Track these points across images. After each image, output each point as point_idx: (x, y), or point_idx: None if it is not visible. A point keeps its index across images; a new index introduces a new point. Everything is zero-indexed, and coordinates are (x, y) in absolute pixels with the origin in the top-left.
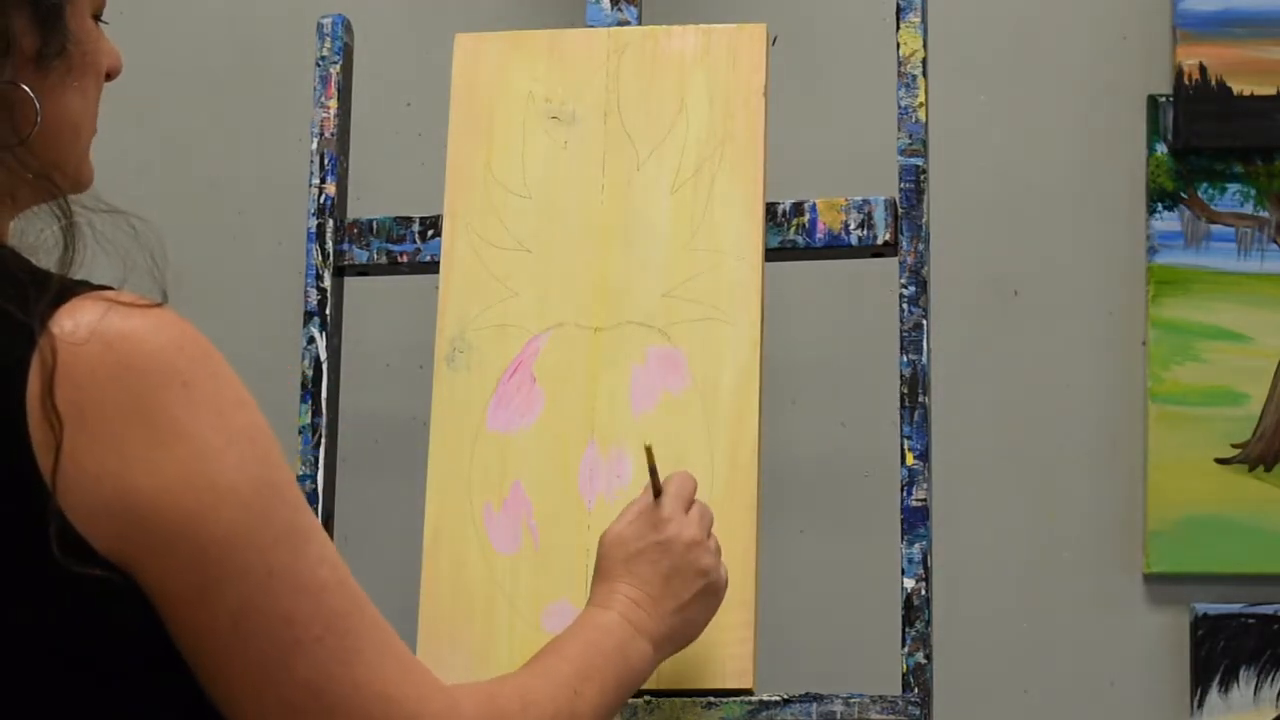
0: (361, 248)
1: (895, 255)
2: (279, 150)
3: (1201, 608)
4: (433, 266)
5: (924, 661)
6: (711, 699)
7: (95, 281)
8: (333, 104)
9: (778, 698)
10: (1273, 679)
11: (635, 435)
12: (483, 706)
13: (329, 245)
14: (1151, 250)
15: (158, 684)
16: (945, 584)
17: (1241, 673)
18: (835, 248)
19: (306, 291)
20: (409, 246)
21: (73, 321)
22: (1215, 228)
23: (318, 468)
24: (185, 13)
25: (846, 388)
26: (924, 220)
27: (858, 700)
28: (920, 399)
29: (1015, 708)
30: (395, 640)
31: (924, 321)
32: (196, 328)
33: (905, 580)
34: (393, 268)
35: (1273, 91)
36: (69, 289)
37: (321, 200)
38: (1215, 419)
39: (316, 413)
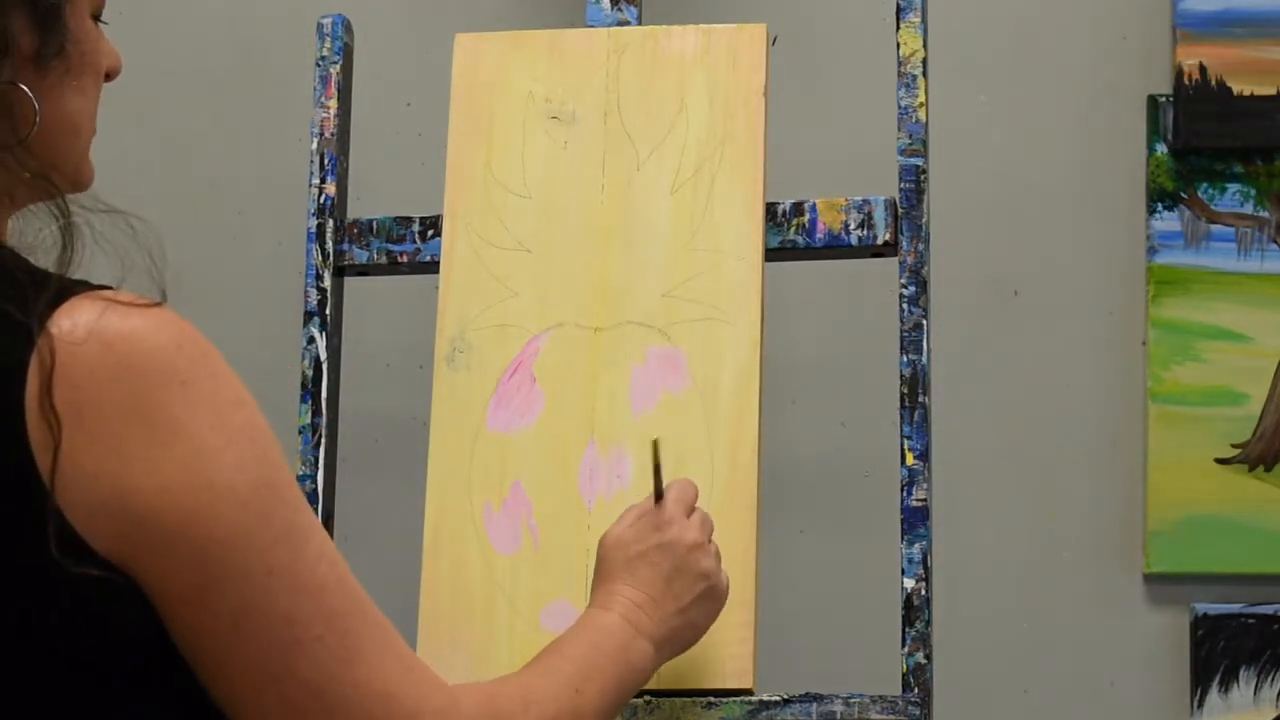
0: (361, 248)
1: (895, 255)
2: (279, 150)
3: (1201, 608)
4: (433, 266)
5: (924, 661)
6: (711, 699)
7: (94, 281)
8: (333, 104)
9: (778, 698)
10: (1273, 679)
11: (635, 435)
12: (484, 706)
13: (329, 245)
14: (1151, 250)
15: (158, 684)
16: (945, 584)
17: (1241, 673)
18: (835, 248)
19: (306, 291)
20: (409, 246)
21: (71, 321)
22: (1215, 228)
23: (318, 468)
24: (185, 13)
25: (846, 388)
26: (924, 220)
27: (858, 700)
28: (920, 399)
29: (1015, 708)
30: (396, 639)
31: (924, 321)
32: (196, 327)
33: (905, 580)
34: (393, 268)
35: (1273, 91)
36: (67, 289)
37: (321, 200)
38: (1215, 419)
39: (316, 413)
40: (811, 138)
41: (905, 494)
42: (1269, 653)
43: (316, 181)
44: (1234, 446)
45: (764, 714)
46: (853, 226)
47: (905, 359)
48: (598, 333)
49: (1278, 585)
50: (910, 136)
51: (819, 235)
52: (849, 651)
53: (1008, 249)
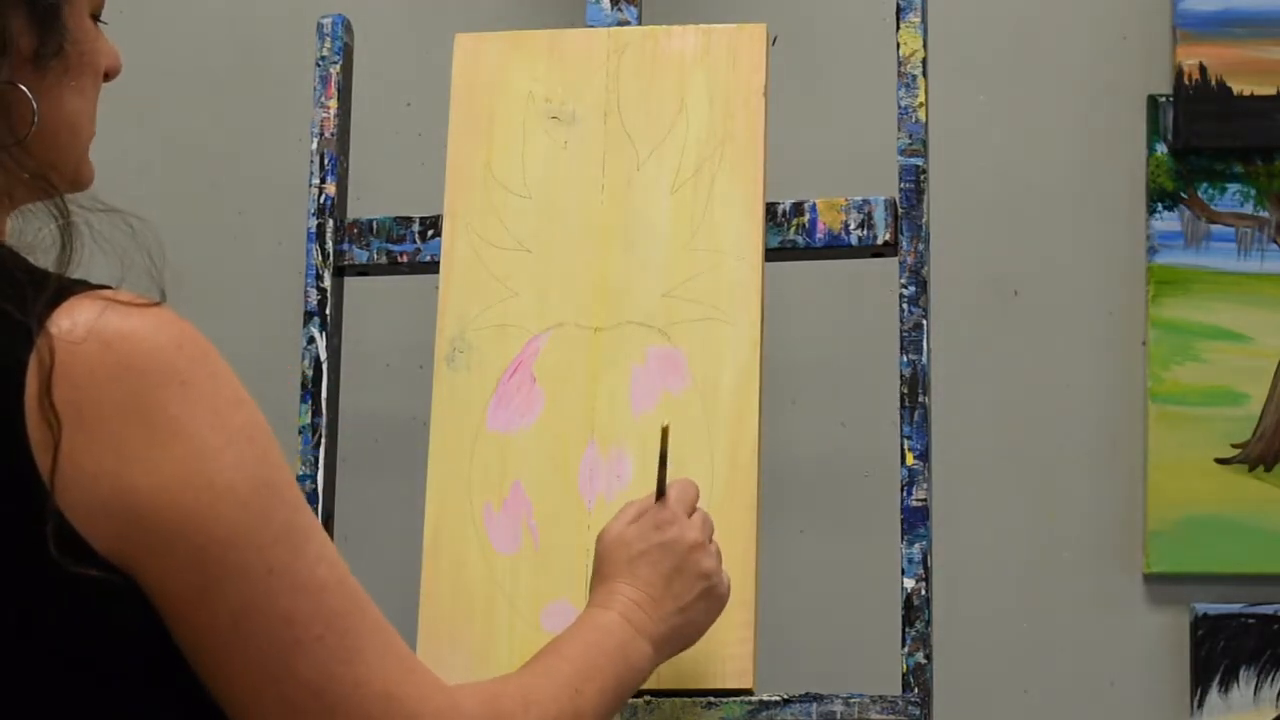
0: (361, 248)
1: (895, 255)
2: (279, 150)
3: (1201, 608)
4: (433, 266)
5: (924, 661)
6: (711, 699)
7: (93, 281)
8: (333, 104)
9: (778, 698)
10: (1273, 679)
11: (635, 435)
12: (484, 706)
13: (329, 245)
14: (1151, 250)
15: (158, 684)
16: (945, 584)
17: (1241, 673)
18: (835, 248)
19: (306, 291)
20: (409, 246)
21: (70, 321)
22: (1215, 228)
23: (318, 468)
24: (185, 13)
25: (846, 388)
26: (924, 220)
27: (858, 700)
28: (920, 399)
29: (1015, 708)
30: (396, 639)
31: (924, 321)
32: (196, 327)
33: (905, 580)
34: (393, 268)
35: (1273, 91)
36: (67, 288)
37: (321, 200)
38: (1215, 419)
39: (316, 413)
40: (811, 138)
41: (905, 494)
42: (1269, 653)
43: (316, 181)
44: (1234, 446)
45: (764, 714)
46: (853, 226)
47: (905, 359)
48: (598, 333)
49: (1278, 585)
50: (910, 136)
51: (819, 235)
52: (849, 651)
53: (1008, 249)
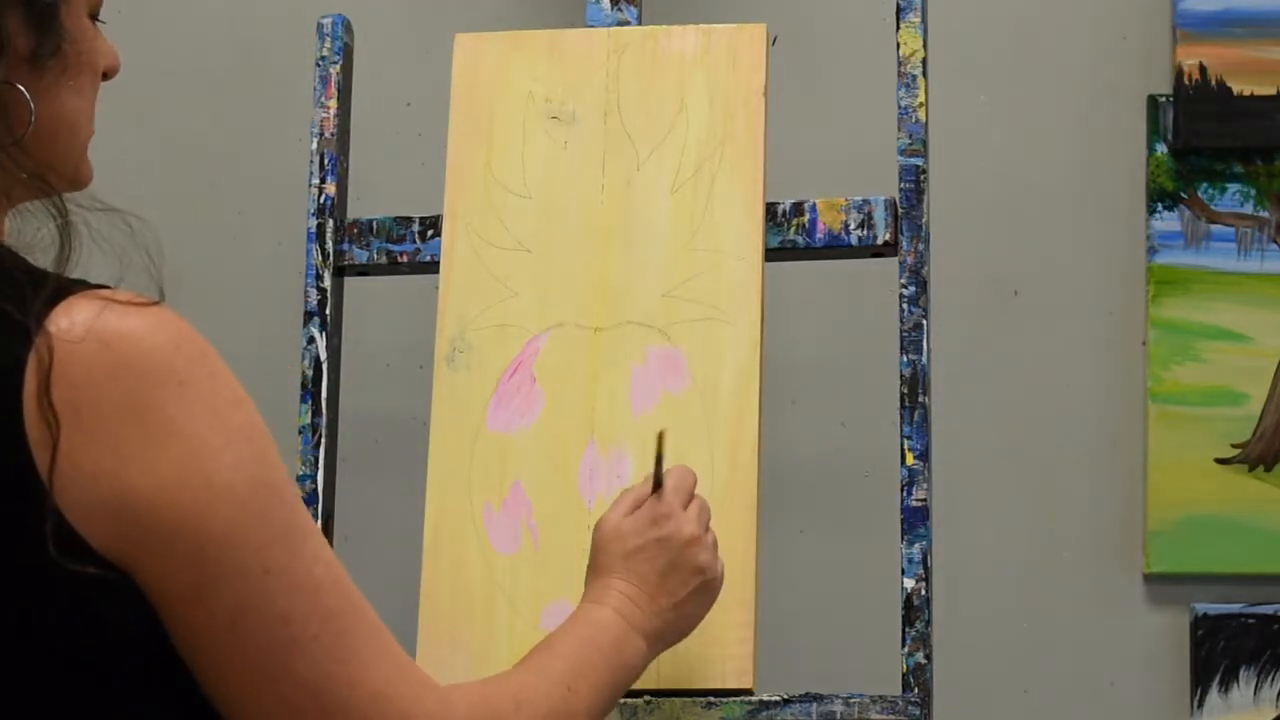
0: (361, 248)
1: (895, 255)
2: (279, 150)
3: (1201, 608)
4: (433, 266)
5: (924, 661)
6: (711, 699)
7: (92, 280)
8: (333, 104)
9: (778, 698)
10: (1273, 679)
11: (635, 435)
12: (477, 706)
13: (329, 245)
14: (1151, 250)
15: (157, 684)
16: (945, 584)
17: (1241, 673)
18: (835, 248)
19: (306, 291)
20: (409, 246)
21: (69, 320)
22: (1215, 228)
23: (318, 468)
24: (185, 13)
25: (846, 388)
26: (924, 220)
27: (858, 700)
28: (920, 399)
29: (1015, 708)
30: (390, 640)
31: (924, 321)
32: (195, 327)
33: (905, 580)
34: (393, 268)
35: (1273, 91)
36: (65, 288)
37: (321, 200)
38: (1215, 419)
39: (316, 413)
40: (811, 138)
41: (905, 494)
42: (1269, 653)
43: (316, 181)
44: (1234, 446)
45: (764, 714)
46: (853, 226)
47: (905, 359)
48: (598, 333)
49: (1278, 585)
50: (910, 136)
51: (819, 235)
52: (849, 651)
53: (1008, 249)
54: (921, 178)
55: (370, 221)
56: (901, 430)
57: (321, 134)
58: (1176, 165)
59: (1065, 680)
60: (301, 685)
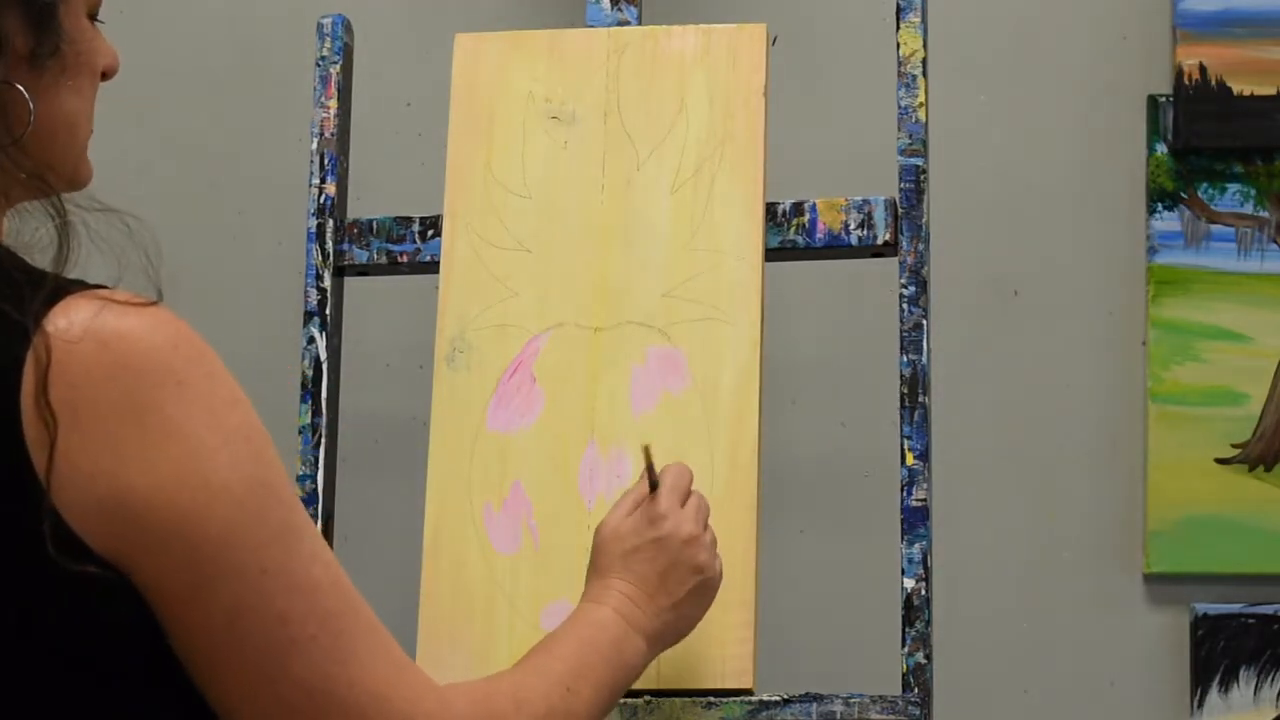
0: (361, 248)
1: (895, 255)
2: (279, 150)
3: (1201, 608)
4: (433, 266)
5: (924, 661)
6: (711, 699)
7: (90, 280)
8: (333, 104)
9: (778, 698)
10: (1273, 679)
11: (635, 435)
12: (476, 706)
13: (329, 245)
14: (1151, 250)
15: (157, 684)
16: (945, 584)
17: (1241, 673)
18: (835, 248)
19: (306, 291)
20: (409, 246)
21: (67, 320)
22: (1215, 228)
23: (318, 468)
24: (185, 13)
25: (846, 388)
26: (924, 220)
27: (858, 700)
28: (920, 399)
29: (1015, 708)
30: (389, 640)
31: (924, 321)
32: (195, 327)
33: (905, 580)
34: (393, 268)
35: (1273, 91)
36: (63, 287)
37: (321, 200)
38: (1215, 419)
39: (316, 413)
40: (811, 138)
41: (905, 494)
42: (1269, 653)
43: (316, 181)
44: (1234, 446)
45: (764, 714)
46: (853, 226)
47: (905, 359)
48: (598, 333)
49: (1278, 585)
50: (910, 136)
51: (819, 235)
52: (849, 651)
53: (1008, 249)
54: (921, 178)
55: (370, 221)
56: (901, 430)
57: (321, 134)
58: (1176, 165)
59: (1065, 680)
60: (299, 685)
